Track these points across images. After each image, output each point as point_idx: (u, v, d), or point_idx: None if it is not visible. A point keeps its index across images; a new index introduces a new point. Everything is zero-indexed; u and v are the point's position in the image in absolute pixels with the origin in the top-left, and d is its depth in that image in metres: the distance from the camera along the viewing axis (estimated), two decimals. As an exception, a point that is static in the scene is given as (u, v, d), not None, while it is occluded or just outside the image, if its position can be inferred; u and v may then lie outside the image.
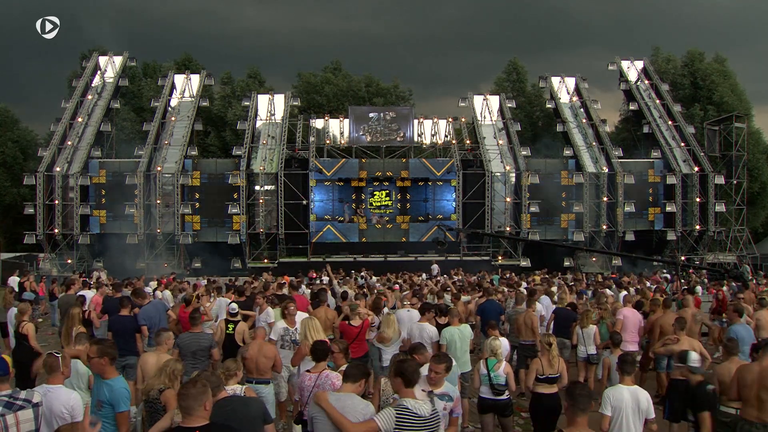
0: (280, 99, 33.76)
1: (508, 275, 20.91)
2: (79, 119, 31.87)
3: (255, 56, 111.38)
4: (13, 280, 18.18)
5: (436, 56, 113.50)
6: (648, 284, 16.97)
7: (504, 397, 6.46)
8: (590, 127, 33.42)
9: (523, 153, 31.94)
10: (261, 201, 30.41)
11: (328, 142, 32.19)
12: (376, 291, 12.36)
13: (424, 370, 4.97)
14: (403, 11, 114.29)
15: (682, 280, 16.25)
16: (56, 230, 29.79)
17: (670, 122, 33.75)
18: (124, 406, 4.58)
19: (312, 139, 32.11)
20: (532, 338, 8.98)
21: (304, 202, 30.79)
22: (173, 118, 32.48)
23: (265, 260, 29.25)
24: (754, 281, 19.06)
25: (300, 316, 7.80)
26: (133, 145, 32.17)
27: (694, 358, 6.01)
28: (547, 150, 35.66)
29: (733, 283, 16.02)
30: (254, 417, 4.15)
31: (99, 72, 34.07)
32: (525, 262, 29.50)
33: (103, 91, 33.57)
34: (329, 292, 11.47)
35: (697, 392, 5.84)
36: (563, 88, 35.39)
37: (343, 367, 4.85)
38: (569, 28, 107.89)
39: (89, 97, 32.91)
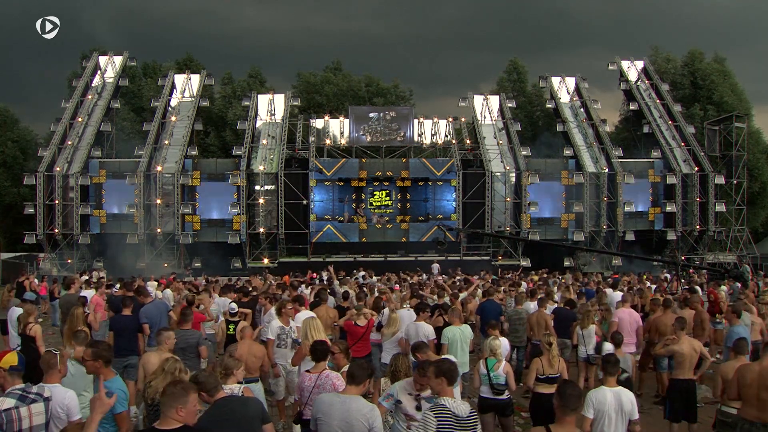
0: (280, 99, 33.75)
1: (509, 274, 20.94)
2: (79, 119, 31.87)
3: (255, 56, 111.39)
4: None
5: (436, 56, 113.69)
6: (648, 284, 16.97)
7: (504, 396, 6.47)
8: (590, 127, 33.43)
9: (523, 153, 31.94)
10: (261, 201, 30.40)
11: (328, 142, 32.18)
12: (377, 291, 12.35)
13: None
14: (403, 11, 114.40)
15: (682, 280, 16.25)
16: (56, 230, 29.78)
17: (670, 122, 33.76)
18: (121, 407, 4.58)
19: (312, 139, 32.10)
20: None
21: (304, 202, 30.78)
22: (173, 118, 32.48)
23: (265, 260, 29.24)
24: (754, 281, 19.04)
25: (302, 315, 7.81)
26: (133, 145, 32.17)
27: (608, 348, 6.09)
28: (547, 150, 35.65)
29: (736, 284, 15.98)
30: (253, 417, 4.14)
31: (99, 72, 34.07)
32: (525, 262, 29.46)
33: (103, 90, 33.57)
34: (328, 291, 11.49)
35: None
36: (563, 88, 35.40)
37: (345, 368, 4.84)
38: (569, 28, 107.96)
39: (89, 96, 32.91)
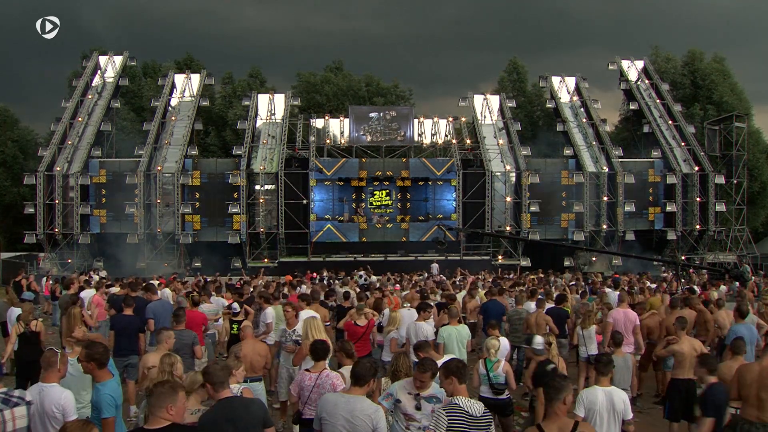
0: (280, 99, 33.74)
1: (511, 274, 20.95)
2: (79, 119, 31.87)
3: (255, 56, 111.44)
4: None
5: (436, 56, 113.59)
6: (648, 284, 16.96)
7: (504, 396, 6.47)
8: (590, 127, 33.43)
9: (524, 153, 31.93)
10: (261, 201, 30.41)
11: (328, 141, 32.18)
12: (383, 290, 12.31)
13: None
14: (403, 11, 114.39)
15: (683, 280, 16.24)
16: (56, 230, 29.79)
17: (670, 122, 33.75)
18: (107, 413, 4.55)
19: (312, 138, 32.10)
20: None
21: (305, 201, 30.78)
22: (173, 118, 32.48)
23: (266, 260, 29.24)
24: (754, 281, 19.02)
25: (303, 314, 7.81)
26: (133, 145, 32.17)
27: (538, 341, 6.17)
28: (547, 150, 35.65)
29: (734, 283, 15.98)
30: (254, 420, 4.11)
31: (99, 71, 34.06)
32: (525, 262, 29.49)
33: (104, 90, 33.55)
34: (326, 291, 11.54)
35: (539, 371, 5.93)
36: (563, 87, 35.38)
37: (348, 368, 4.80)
38: (569, 28, 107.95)
39: (89, 96, 32.90)
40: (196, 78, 34.60)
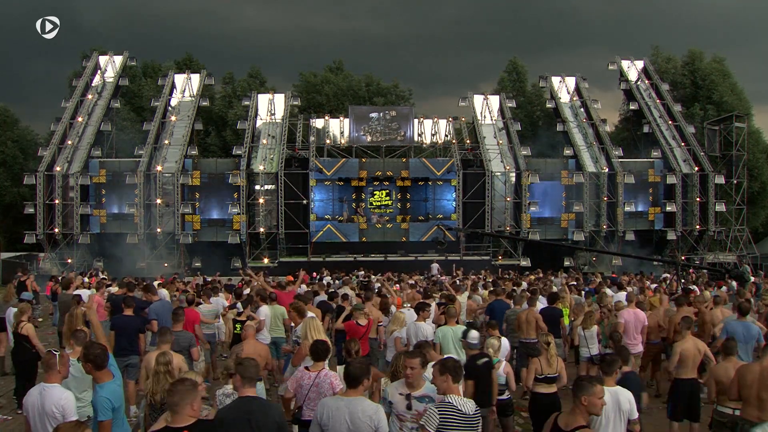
0: (280, 99, 33.73)
1: (509, 275, 20.93)
2: (80, 119, 31.87)
3: (255, 56, 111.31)
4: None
5: (436, 56, 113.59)
6: (648, 284, 16.95)
7: (504, 396, 6.47)
8: (590, 127, 33.43)
9: (523, 153, 31.93)
10: (261, 201, 30.39)
11: (328, 141, 32.17)
12: (392, 290, 12.29)
13: (431, 369, 4.97)
14: (403, 11, 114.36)
15: (683, 280, 16.23)
16: (56, 230, 29.77)
17: (670, 122, 33.75)
18: (102, 416, 4.54)
19: (312, 138, 32.09)
20: (534, 336, 8.97)
21: (305, 201, 30.77)
22: (173, 118, 32.48)
23: (266, 260, 29.24)
24: (754, 281, 19.00)
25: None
26: (133, 145, 32.16)
27: (473, 335, 6.32)
28: (547, 150, 35.65)
29: (732, 283, 15.97)
30: (271, 424, 4.05)
31: (99, 71, 34.06)
32: (525, 262, 29.49)
33: (104, 90, 33.55)
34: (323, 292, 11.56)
35: (469, 364, 6.02)
36: (563, 87, 35.38)
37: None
38: (569, 28, 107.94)
39: (89, 96, 32.90)
40: (196, 78, 34.60)
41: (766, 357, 5.41)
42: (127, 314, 8.42)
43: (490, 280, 17.01)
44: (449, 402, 4.24)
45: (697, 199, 31.82)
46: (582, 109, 34.50)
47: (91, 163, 31.11)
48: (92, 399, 4.80)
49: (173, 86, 34.12)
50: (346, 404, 4.19)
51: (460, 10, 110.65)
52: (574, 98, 35.12)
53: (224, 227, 31.03)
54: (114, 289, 13.09)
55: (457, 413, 4.21)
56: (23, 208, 30.58)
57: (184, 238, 30.02)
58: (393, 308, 9.32)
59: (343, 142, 32.25)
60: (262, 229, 30.20)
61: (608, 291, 12.82)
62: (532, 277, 19.29)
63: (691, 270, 21.90)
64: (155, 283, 15.57)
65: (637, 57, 37.00)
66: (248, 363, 4.37)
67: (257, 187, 30.65)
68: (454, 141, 32.61)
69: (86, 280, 18.01)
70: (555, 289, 13.45)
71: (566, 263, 30.02)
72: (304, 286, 14.20)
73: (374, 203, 32.28)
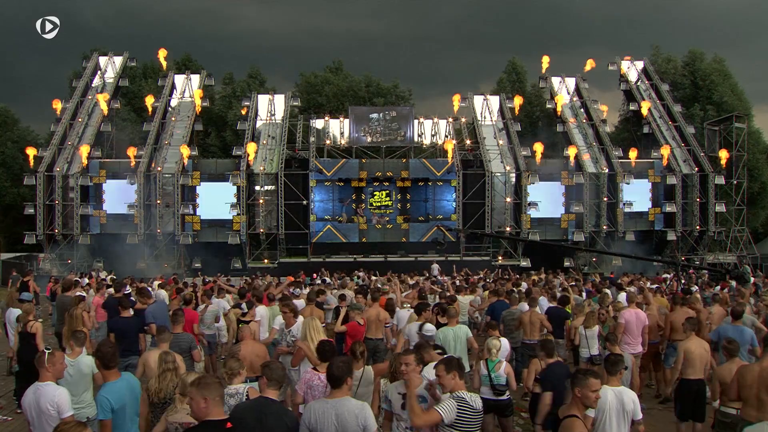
0: (280, 99, 33.74)
1: (510, 275, 20.90)
2: (79, 119, 31.86)
3: (255, 56, 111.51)
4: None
5: (436, 56, 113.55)
6: (648, 284, 16.94)
7: (505, 397, 6.47)
8: (590, 127, 33.42)
9: (523, 153, 31.92)
10: (261, 201, 30.39)
11: (328, 142, 32.16)
12: (390, 291, 12.29)
13: (429, 369, 4.97)
14: (402, 11, 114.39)
15: (683, 281, 16.22)
16: (56, 230, 29.77)
17: (670, 122, 33.73)
18: (101, 415, 4.59)
19: (312, 139, 32.08)
20: (537, 337, 8.97)
21: (304, 202, 30.77)
22: (173, 118, 32.48)
23: (266, 260, 29.23)
24: (754, 281, 18.99)
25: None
26: (133, 145, 32.12)
27: (428, 327, 6.60)
28: (547, 150, 35.59)
29: (732, 283, 15.95)
30: (282, 429, 4.00)
31: (99, 72, 34.07)
32: (525, 262, 29.48)
33: (104, 91, 33.55)
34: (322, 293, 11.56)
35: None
36: (563, 88, 35.38)
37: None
38: (569, 28, 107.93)
39: (89, 97, 32.89)
40: (195, 78, 34.61)
41: (765, 358, 5.40)
42: (125, 315, 8.37)
43: (491, 281, 17.01)
44: (463, 398, 4.30)
45: (697, 199, 31.82)
46: (582, 110, 34.50)
47: (91, 163, 31.10)
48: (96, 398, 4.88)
49: (173, 87, 34.12)
50: (332, 406, 4.16)
51: (459, 11, 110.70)
52: (574, 98, 35.11)
53: (224, 227, 31.02)
54: (111, 290, 13.08)
55: (470, 409, 4.29)
56: (23, 209, 30.56)
57: (184, 239, 30.01)
58: (398, 309, 9.33)
59: (343, 142, 32.24)
60: (262, 230, 30.19)
61: (607, 291, 12.82)
62: (535, 277, 19.22)
63: (691, 270, 21.88)
64: (155, 284, 15.61)
65: (637, 57, 36.99)
66: (275, 366, 4.41)
67: (257, 187, 30.64)
68: (453, 141, 32.42)
69: (86, 281, 17.97)
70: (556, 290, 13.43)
71: (566, 264, 30.00)
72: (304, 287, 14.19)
73: (374, 204, 32.26)
